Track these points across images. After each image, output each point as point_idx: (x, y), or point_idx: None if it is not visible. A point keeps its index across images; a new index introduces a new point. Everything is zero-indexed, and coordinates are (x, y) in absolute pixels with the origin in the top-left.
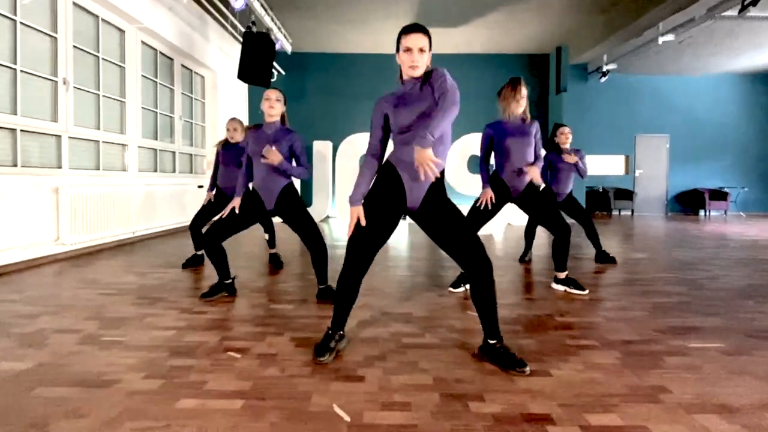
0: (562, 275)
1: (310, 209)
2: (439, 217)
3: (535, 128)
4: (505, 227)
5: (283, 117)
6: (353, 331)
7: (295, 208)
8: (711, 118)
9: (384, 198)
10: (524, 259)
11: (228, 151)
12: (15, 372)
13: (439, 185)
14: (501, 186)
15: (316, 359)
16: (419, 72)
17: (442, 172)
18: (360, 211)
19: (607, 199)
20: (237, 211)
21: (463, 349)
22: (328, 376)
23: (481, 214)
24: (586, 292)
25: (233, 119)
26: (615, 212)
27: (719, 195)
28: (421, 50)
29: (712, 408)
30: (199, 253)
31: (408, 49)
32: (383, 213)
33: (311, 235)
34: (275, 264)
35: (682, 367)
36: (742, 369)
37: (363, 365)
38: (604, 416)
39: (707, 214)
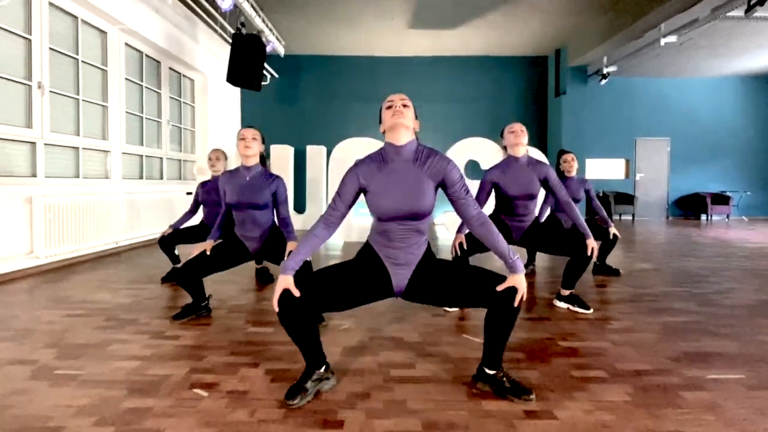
0: (567, 292)
1: (303, 215)
2: (432, 283)
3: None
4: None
5: (262, 158)
6: (338, 362)
7: (281, 250)
8: (712, 120)
9: (365, 281)
10: (526, 271)
11: (205, 188)
12: None
13: (426, 258)
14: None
15: (287, 402)
16: (405, 138)
17: (429, 244)
18: (290, 281)
19: (607, 204)
20: (207, 254)
21: (457, 383)
22: (303, 420)
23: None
24: (591, 311)
25: (215, 149)
26: (616, 217)
27: (721, 199)
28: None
29: None
30: (178, 266)
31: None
32: (362, 291)
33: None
34: (262, 279)
35: (702, 407)
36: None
37: (344, 406)
38: None
39: (709, 218)
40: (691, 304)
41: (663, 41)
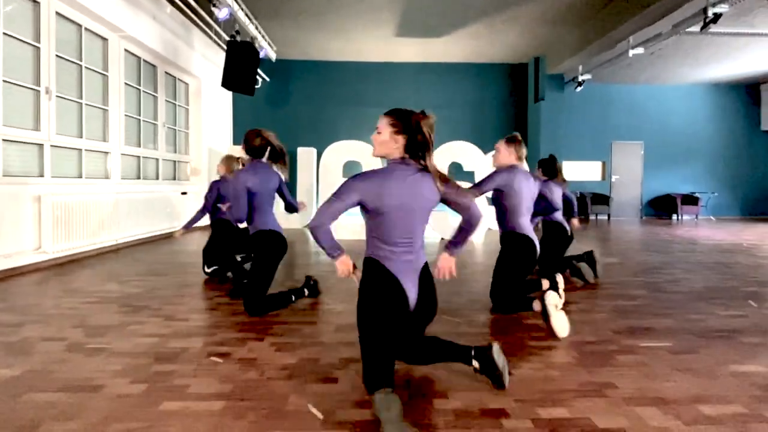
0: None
1: (294, 216)
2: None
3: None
4: (486, 232)
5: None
6: (331, 336)
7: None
8: (683, 125)
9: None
10: None
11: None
12: (4, 379)
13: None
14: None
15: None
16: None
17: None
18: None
19: (584, 205)
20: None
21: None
22: (305, 378)
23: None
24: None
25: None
26: (592, 217)
27: (691, 200)
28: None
29: (649, 401)
30: (228, 274)
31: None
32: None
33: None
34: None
35: (631, 365)
36: (686, 366)
37: (338, 367)
38: (553, 410)
39: (680, 218)
40: (644, 291)
41: (631, 53)
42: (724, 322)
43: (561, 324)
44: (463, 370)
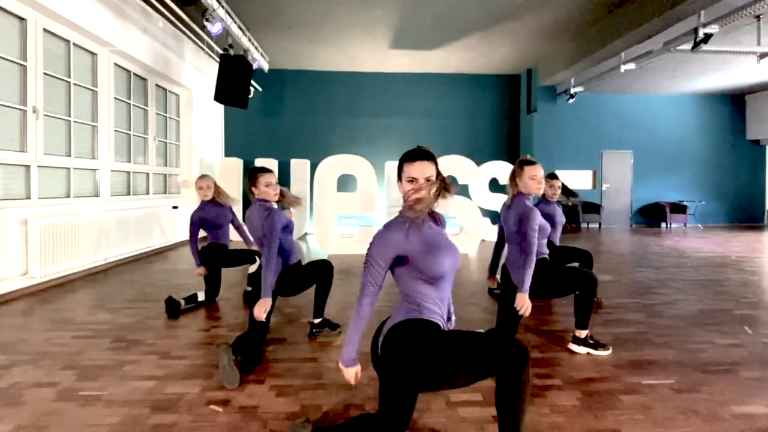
0: (583, 334)
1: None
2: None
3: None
4: (479, 244)
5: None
6: (333, 376)
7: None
8: (672, 135)
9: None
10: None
11: (211, 211)
12: None
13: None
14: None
15: None
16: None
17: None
18: (358, 368)
19: (576, 213)
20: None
21: (438, 394)
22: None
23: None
24: (609, 351)
25: (205, 176)
26: (584, 225)
27: (679, 208)
28: (428, 179)
29: None
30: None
31: (412, 179)
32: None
33: (323, 269)
34: (248, 301)
35: (636, 408)
36: (689, 407)
37: (342, 415)
38: None
39: (668, 226)
40: (640, 315)
41: (623, 68)
42: (723, 353)
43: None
44: (468, 415)
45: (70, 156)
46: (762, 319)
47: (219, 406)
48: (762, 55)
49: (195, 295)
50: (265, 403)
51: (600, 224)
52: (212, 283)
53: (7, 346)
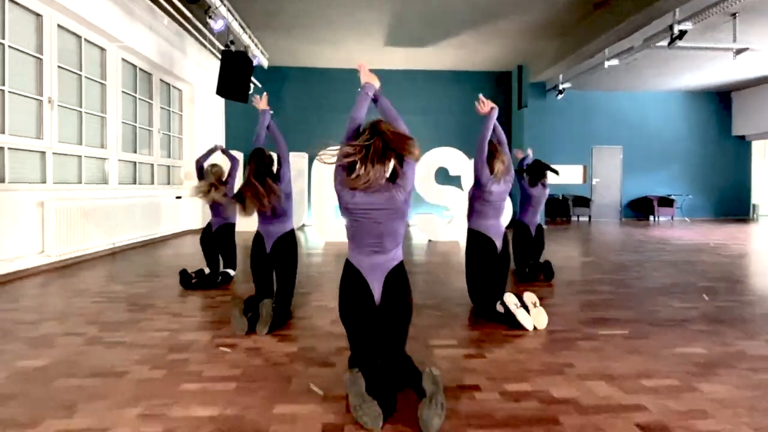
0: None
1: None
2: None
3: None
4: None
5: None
6: (326, 327)
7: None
8: (660, 131)
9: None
10: None
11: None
12: (33, 368)
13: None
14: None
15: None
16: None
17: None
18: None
19: (566, 207)
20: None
21: (419, 342)
22: (306, 363)
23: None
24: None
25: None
26: (574, 218)
27: (666, 202)
28: None
29: (599, 377)
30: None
31: None
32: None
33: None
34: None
35: (589, 350)
36: (635, 349)
37: (334, 354)
38: (518, 385)
39: (656, 219)
40: (611, 287)
41: (607, 64)
42: (677, 312)
43: (525, 318)
44: (444, 354)
45: (81, 144)
46: (722, 291)
47: (227, 348)
48: (738, 51)
49: (202, 271)
50: (268, 346)
51: (590, 217)
52: (214, 264)
53: (34, 308)
